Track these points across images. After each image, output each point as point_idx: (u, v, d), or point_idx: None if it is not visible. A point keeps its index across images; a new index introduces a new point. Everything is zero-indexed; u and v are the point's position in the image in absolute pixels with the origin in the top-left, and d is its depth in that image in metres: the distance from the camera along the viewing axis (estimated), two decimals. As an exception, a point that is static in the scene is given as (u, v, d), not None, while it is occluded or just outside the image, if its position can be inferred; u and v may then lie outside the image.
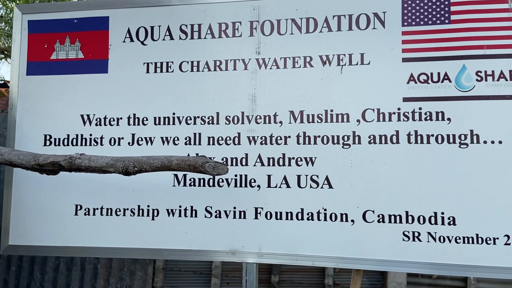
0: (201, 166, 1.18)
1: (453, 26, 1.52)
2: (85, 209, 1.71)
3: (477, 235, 1.45)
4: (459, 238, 1.46)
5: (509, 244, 1.43)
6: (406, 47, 1.54)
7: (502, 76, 1.48)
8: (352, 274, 1.63)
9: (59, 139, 1.76)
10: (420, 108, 1.52)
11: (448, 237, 1.46)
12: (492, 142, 1.46)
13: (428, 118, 1.51)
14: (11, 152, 1.36)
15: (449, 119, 1.49)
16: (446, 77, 1.51)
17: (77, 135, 1.75)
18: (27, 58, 1.81)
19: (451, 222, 1.46)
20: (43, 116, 1.78)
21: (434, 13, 1.53)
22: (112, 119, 1.73)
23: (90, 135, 1.74)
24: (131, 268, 2.48)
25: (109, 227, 1.69)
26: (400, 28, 1.55)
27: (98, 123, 1.74)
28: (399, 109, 1.53)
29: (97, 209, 1.71)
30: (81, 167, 1.27)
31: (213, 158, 1.62)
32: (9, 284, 2.54)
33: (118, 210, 1.69)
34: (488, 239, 1.44)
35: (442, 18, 1.53)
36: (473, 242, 1.45)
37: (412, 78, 1.53)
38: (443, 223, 1.47)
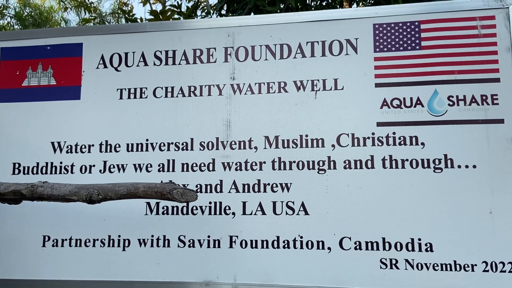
0: (168, 193, 1.15)
1: (424, 52, 1.54)
2: (53, 240, 1.65)
3: (455, 261, 1.42)
4: (437, 265, 1.43)
5: (487, 271, 1.41)
6: (379, 73, 1.55)
7: (473, 100, 1.49)
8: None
9: (28, 167, 1.70)
10: (394, 133, 1.51)
11: (426, 264, 1.44)
12: (466, 166, 1.46)
13: (402, 142, 1.50)
14: (-29, 182, 1.31)
15: (423, 143, 1.49)
16: (418, 102, 1.52)
17: (47, 163, 1.70)
18: (-3, 85, 1.78)
19: (428, 249, 1.44)
20: (13, 143, 1.73)
21: (405, 39, 1.55)
22: (83, 146, 1.69)
23: (61, 163, 1.69)
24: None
25: (79, 258, 1.63)
26: (373, 54, 1.57)
27: (69, 151, 1.69)
28: (373, 133, 1.53)
29: (66, 240, 1.64)
30: (43, 195, 1.22)
31: (187, 185, 1.58)
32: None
33: (87, 240, 1.63)
34: (466, 265, 1.42)
35: (413, 44, 1.55)
36: (451, 269, 1.42)
37: (385, 103, 1.53)
38: (420, 250, 1.44)
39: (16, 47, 1.79)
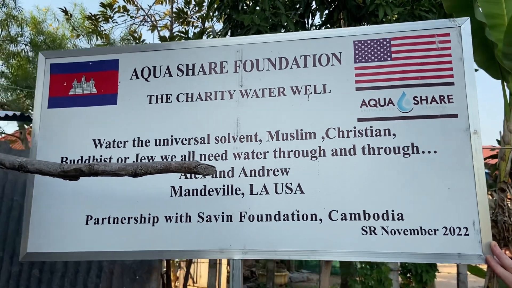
0: (194, 168, 1.51)
1: (394, 62, 1.92)
2: (94, 219, 2.01)
3: (420, 227, 1.77)
4: (407, 231, 1.77)
5: (447, 234, 1.75)
6: (358, 79, 1.94)
7: (433, 99, 1.86)
8: (322, 265, 1.91)
9: (74, 160, 2.08)
10: (371, 126, 1.88)
11: (397, 230, 1.78)
12: (429, 152, 1.82)
13: (378, 134, 1.87)
14: (41, 163, 1.68)
15: (394, 134, 1.86)
16: (390, 102, 1.89)
17: (89, 157, 2.08)
18: (48, 94, 2.17)
19: (400, 218, 1.78)
20: (61, 141, 2.11)
21: (378, 52, 1.94)
22: (119, 142, 2.06)
23: (101, 156, 2.07)
24: (130, 287, 2.71)
25: (116, 233, 1.98)
26: (353, 64, 1.95)
27: (107, 146, 2.07)
28: (354, 127, 1.89)
29: (105, 218, 2.00)
30: (98, 171, 1.58)
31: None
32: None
33: (123, 218, 1.99)
34: (430, 230, 1.76)
35: (385, 56, 1.93)
36: (418, 234, 1.76)
37: (364, 103, 1.91)
38: (393, 219, 1.79)
39: (64, 63, 2.20)
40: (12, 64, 13.49)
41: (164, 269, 6.16)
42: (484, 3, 4.03)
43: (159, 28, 13.15)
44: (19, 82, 12.92)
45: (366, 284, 6.41)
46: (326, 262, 1.91)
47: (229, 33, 7.46)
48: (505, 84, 5.03)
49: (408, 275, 7.32)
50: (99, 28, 10.93)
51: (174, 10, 11.60)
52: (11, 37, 14.46)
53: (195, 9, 11.20)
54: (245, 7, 7.38)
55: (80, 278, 2.68)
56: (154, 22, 13.09)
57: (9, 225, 2.79)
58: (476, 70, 6.57)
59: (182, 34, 9.16)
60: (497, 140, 5.30)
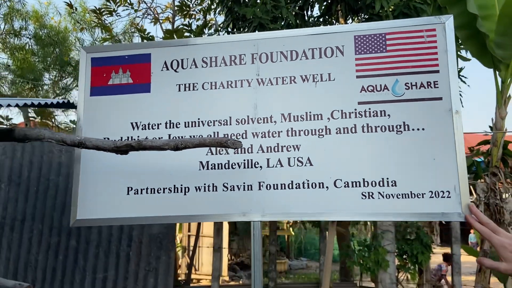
0: (225, 142, 1.85)
1: (388, 54, 2.26)
2: (134, 190, 2.35)
3: (411, 192, 2.12)
4: (399, 195, 2.12)
5: (432, 197, 2.10)
6: (359, 68, 2.28)
7: (422, 85, 2.20)
8: (328, 226, 2.27)
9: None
10: (369, 108, 2.23)
11: (392, 194, 2.13)
12: (418, 129, 2.17)
13: (375, 115, 2.21)
14: (97, 140, 2.03)
15: (389, 115, 2.20)
16: (385, 87, 2.23)
17: (127, 137, 2.42)
18: (90, 84, 2.50)
19: (393, 184, 2.13)
20: (102, 125, 2.45)
21: (375, 45, 2.28)
22: (154, 125, 2.40)
23: (138, 137, 2.41)
24: (157, 254, 3.06)
25: (153, 201, 2.33)
26: (354, 55, 2.29)
27: (143, 128, 2.41)
28: (355, 109, 2.24)
29: (144, 189, 2.35)
30: (146, 146, 1.92)
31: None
32: (57, 271, 3.09)
33: (159, 189, 2.33)
34: (418, 194, 2.11)
35: (381, 49, 2.27)
36: (408, 197, 2.11)
37: (363, 89, 2.25)
38: (388, 185, 2.14)
39: (102, 57, 2.53)
40: (17, 57, 13.78)
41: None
42: (476, -6, 4.33)
43: (161, 21, 13.42)
44: (25, 75, 13.24)
45: (364, 265, 6.78)
46: (332, 222, 2.26)
47: (230, 26, 7.76)
48: (497, 73, 5.36)
49: (404, 256, 7.69)
50: (103, 22, 11.19)
51: (177, 3, 11.87)
52: (15, 30, 14.73)
53: (197, 2, 11.48)
54: (246, 0, 7.68)
55: (113, 247, 3.03)
56: (156, 15, 13.35)
57: (47, 202, 3.13)
58: (469, 59, 6.89)
59: (186, 27, 9.48)
60: (490, 127, 5.64)
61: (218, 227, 7.38)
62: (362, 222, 11.89)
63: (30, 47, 14.57)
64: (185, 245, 12.99)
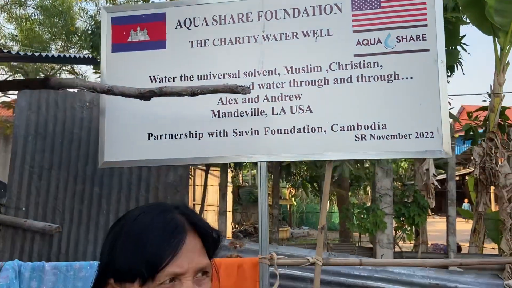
0: (236, 88, 2.12)
1: (382, 10, 2.49)
2: (154, 136, 2.65)
3: (399, 133, 2.39)
4: (389, 136, 2.40)
5: (418, 137, 2.37)
6: (355, 24, 2.51)
7: (411, 38, 2.44)
8: (326, 167, 2.56)
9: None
10: (364, 60, 2.47)
11: (382, 136, 2.41)
12: (407, 78, 2.42)
13: (368, 66, 2.46)
14: (123, 87, 2.30)
15: (381, 66, 2.45)
16: (379, 41, 2.47)
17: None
18: (111, 41, 2.76)
19: (384, 127, 2.41)
20: (123, 78, 2.71)
21: (370, 2, 2.50)
22: (170, 78, 2.67)
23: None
24: (173, 198, 3.40)
25: (171, 146, 2.62)
26: (351, 12, 2.52)
27: (160, 81, 2.68)
28: (351, 61, 2.49)
29: (163, 135, 2.64)
30: (167, 92, 2.20)
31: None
32: (83, 214, 3.45)
33: (176, 134, 2.62)
34: (405, 135, 2.38)
35: (375, 5, 2.50)
36: (397, 138, 2.39)
37: (359, 42, 2.49)
38: (379, 128, 2.41)
39: (121, 16, 2.77)
40: (23, 27, 13.89)
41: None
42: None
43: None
44: (31, 46, 13.40)
45: (363, 226, 7.09)
46: (329, 161, 2.55)
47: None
48: (496, 40, 5.51)
49: (402, 218, 8.00)
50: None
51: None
52: (20, 0, 14.78)
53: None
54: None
55: (133, 193, 3.35)
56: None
57: (71, 153, 3.45)
58: (468, 22, 7.00)
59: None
60: (488, 93, 5.83)
61: (223, 192, 7.73)
62: (362, 188, 12.24)
63: (36, 17, 14.66)
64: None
